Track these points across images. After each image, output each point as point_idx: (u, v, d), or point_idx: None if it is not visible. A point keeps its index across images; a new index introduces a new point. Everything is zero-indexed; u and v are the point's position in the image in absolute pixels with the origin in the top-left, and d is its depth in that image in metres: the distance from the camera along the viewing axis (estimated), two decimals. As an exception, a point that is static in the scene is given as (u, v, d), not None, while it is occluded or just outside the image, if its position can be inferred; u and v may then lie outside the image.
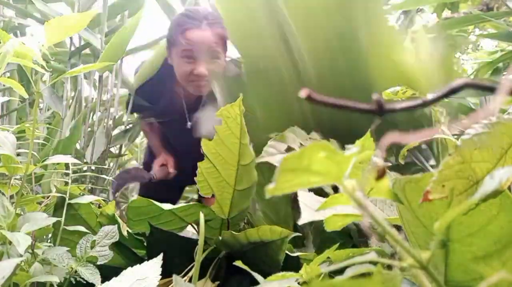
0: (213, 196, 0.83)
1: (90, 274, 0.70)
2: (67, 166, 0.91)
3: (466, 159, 0.36)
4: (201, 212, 0.84)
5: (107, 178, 1.29)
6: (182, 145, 1.58)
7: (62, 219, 0.82)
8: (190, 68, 1.39)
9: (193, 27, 1.36)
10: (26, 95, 0.81)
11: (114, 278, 0.53)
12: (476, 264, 0.42)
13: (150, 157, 1.72)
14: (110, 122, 1.70)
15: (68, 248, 0.75)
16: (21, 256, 0.66)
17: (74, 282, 0.74)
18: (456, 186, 0.36)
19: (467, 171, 0.36)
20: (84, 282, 0.74)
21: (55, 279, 0.69)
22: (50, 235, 0.90)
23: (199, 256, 0.73)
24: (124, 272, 0.54)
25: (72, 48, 1.64)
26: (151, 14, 1.89)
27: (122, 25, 1.56)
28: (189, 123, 1.56)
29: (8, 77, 1.41)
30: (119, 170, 2.13)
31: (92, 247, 0.75)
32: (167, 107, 1.56)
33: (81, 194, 0.90)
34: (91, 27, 1.59)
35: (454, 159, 0.36)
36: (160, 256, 0.56)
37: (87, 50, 1.72)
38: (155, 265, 0.55)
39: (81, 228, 0.80)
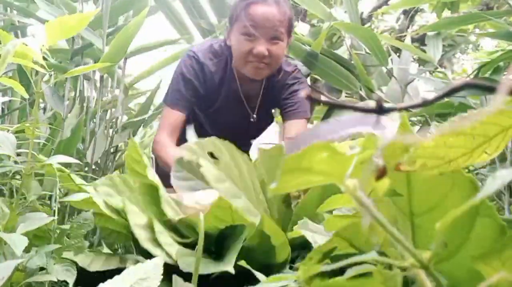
0: None
1: (66, 270, 0.68)
2: (67, 166, 0.91)
3: (439, 144, 0.40)
4: (200, 214, 0.85)
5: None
6: (236, 136, 1.33)
7: (55, 218, 0.81)
8: (249, 46, 1.28)
9: (258, 1, 1.26)
10: (26, 95, 0.81)
11: (115, 277, 0.53)
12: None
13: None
14: (113, 121, 1.70)
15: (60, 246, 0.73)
16: (17, 257, 0.66)
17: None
18: (428, 163, 0.41)
19: (441, 152, 0.40)
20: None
21: (51, 278, 0.69)
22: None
23: (198, 255, 0.73)
24: (125, 271, 0.54)
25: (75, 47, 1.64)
26: (156, 15, 1.89)
27: (125, 26, 1.55)
28: (253, 116, 1.45)
29: (9, 77, 1.41)
30: (116, 171, 2.13)
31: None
32: (222, 95, 1.40)
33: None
34: (93, 27, 1.58)
35: (428, 142, 0.39)
36: (161, 256, 0.56)
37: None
38: (156, 265, 0.55)
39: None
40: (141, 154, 0.79)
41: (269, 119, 1.60)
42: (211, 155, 0.86)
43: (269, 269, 0.75)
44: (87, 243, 0.74)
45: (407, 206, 0.47)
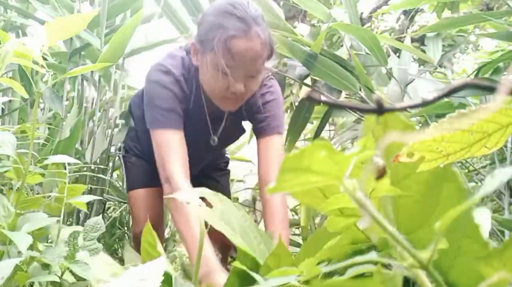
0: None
1: (83, 270, 0.70)
2: (65, 166, 0.91)
3: (437, 138, 0.41)
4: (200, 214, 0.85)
5: (105, 178, 1.28)
6: (196, 157, 1.30)
7: (61, 219, 0.82)
8: (226, 84, 1.14)
9: (240, 35, 1.08)
10: (26, 96, 0.82)
11: (116, 278, 0.53)
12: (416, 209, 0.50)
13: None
14: (111, 121, 1.70)
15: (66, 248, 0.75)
16: (20, 255, 0.66)
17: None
18: (426, 156, 0.43)
19: (439, 146, 0.42)
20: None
21: (54, 279, 0.70)
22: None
23: (199, 255, 0.73)
24: (125, 272, 0.54)
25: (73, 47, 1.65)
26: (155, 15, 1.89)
27: (122, 26, 1.55)
28: (214, 138, 1.36)
29: (10, 78, 1.41)
30: (116, 171, 2.13)
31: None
32: (190, 112, 1.26)
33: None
34: (90, 27, 1.59)
35: (425, 138, 0.41)
36: (162, 256, 0.56)
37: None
38: (156, 265, 0.55)
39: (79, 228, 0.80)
40: (156, 240, 0.75)
41: (230, 143, 1.54)
42: (203, 199, 0.79)
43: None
44: (101, 246, 0.75)
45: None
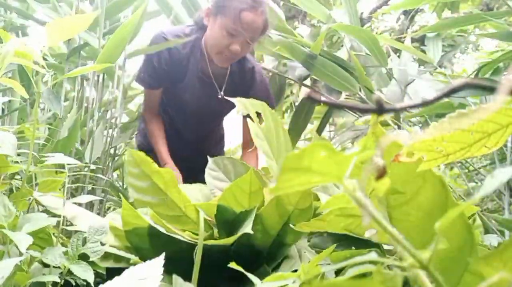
0: None
1: (83, 271, 0.69)
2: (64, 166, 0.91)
3: (437, 138, 0.42)
4: (200, 212, 0.85)
5: (104, 178, 1.28)
6: (202, 113, 1.63)
7: (61, 219, 0.82)
8: (228, 42, 1.42)
9: (251, 9, 1.39)
10: (26, 96, 0.82)
11: (115, 278, 0.53)
12: (415, 233, 0.52)
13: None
14: (113, 121, 1.70)
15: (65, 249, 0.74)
16: (21, 255, 0.66)
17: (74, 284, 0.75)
18: (426, 155, 0.44)
19: (439, 146, 0.43)
20: (85, 283, 0.74)
21: (55, 279, 0.69)
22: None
23: (198, 256, 0.73)
24: (125, 271, 0.54)
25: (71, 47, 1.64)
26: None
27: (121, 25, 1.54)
28: (221, 93, 1.58)
29: (10, 78, 1.41)
30: (115, 171, 2.13)
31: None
32: (189, 71, 1.54)
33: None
34: (90, 27, 1.58)
35: (425, 138, 0.41)
36: (162, 256, 0.56)
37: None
38: (156, 265, 0.55)
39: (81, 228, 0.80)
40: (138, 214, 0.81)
41: (230, 108, 1.74)
42: (258, 114, 0.94)
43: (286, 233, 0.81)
44: (104, 248, 0.75)
45: (385, 199, 0.53)
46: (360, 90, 1.67)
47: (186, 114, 1.63)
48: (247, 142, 1.67)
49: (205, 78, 1.56)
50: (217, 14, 1.43)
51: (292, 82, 1.98)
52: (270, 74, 1.91)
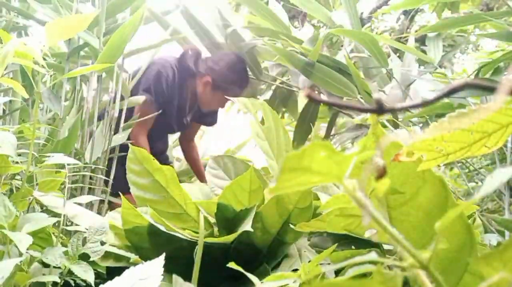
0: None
1: (84, 271, 0.69)
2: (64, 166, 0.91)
3: (437, 138, 0.42)
4: (201, 209, 0.85)
5: (103, 178, 1.28)
6: (169, 131, 2.03)
7: (62, 219, 0.82)
8: (218, 104, 1.89)
9: (243, 91, 1.79)
10: (26, 96, 0.81)
11: (116, 278, 0.53)
12: (415, 233, 0.52)
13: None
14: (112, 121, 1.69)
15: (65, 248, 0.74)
16: (21, 255, 0.66)
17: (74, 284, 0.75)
18: (426, 155, 0.43)
19: (439, 146, 0.43)
20: (84, 283, 0.74)
21: (55, 279, 0.69)
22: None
23: (199, 254, 0.73)
24: (126, 271, 0.54)
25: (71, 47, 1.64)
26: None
27: (121, 25, 1.54)
28: (187, 118, 1.94)
29: (11, 78, 1.41)
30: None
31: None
32: (179, 101, 1.88)
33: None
34: (89, 27, 1.58)
35: (425, 137, 0.41)
36: (162, 256, 0.56)
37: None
38: (156, 265, 0.55)
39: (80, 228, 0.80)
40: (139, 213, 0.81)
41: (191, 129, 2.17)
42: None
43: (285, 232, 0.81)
44: (104, 248, 0.75)
45: (385, 199, 0.53)
46: (359, 94, 1.67)
47: (164, 135, 2.03)
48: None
49: (181, 106, 1.89)
50: (215, 88, 1.80)
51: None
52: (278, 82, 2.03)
